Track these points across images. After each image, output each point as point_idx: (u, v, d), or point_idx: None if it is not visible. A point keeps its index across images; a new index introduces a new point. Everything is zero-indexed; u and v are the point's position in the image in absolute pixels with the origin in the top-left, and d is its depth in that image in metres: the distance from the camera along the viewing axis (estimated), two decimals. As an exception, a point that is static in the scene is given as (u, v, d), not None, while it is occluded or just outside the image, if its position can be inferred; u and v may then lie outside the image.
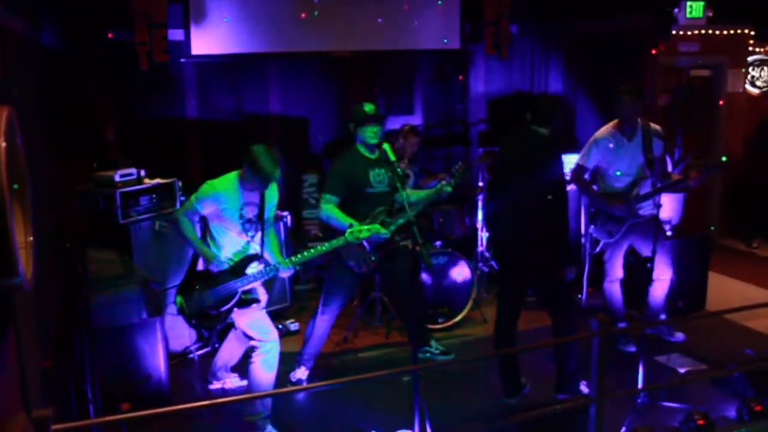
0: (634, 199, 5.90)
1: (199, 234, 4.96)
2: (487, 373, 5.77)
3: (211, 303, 4.82)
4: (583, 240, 7.40)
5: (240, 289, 4.84)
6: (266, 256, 5.02)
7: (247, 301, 4.88)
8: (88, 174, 6.05)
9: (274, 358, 4.90)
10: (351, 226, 5.14)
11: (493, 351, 5.67)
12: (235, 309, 4.84)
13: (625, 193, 5.92)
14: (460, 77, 8.88)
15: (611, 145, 5.91)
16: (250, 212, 4.87)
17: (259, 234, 4.95)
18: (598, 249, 6.31)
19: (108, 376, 4.68)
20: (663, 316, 6.28)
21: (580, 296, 7.25)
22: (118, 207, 5.69)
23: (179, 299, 4.88)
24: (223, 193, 4.76)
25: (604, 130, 6.05)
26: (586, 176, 6.12)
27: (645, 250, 5.94)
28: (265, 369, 4.86)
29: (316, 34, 7.84)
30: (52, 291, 4.75)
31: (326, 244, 5.17)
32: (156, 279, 5.70)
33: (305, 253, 5.07)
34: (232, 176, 4.84)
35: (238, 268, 4.85)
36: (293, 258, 5.02)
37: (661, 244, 5.80)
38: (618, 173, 5.94)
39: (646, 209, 5.95)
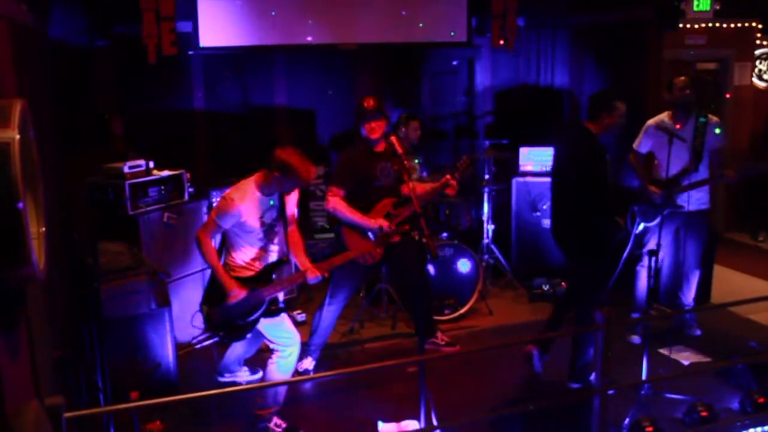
0: (673, 189, 5.92)
1: (217, 244, 4.83)
2: (493, 364, 5.82)
3: (237, 313, 4.68)
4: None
5: (267, 298, 4.72)
6: (292, 257, 4.94)
7: (274, 311, 4.78)
8: (97, 166, 6.09)
9: (293, 362, 4.83)
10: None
11: (498, 342, 5.71)
12: (262, 319, 4.74)
13: (666, 181, 5.91)
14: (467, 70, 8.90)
15: (661, 133, 5.92)
16: (271, 217, 4.76)
17: (280, 236, 4.86)
18: (638, 230, 6.27)
19: (117, 365, 4.72)
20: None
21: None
22: (127, 198, 5.72)
23: (205, 309, 4.76)
24: (243, 205, 4.59)
25: (657, 118, 6.20)
26: (640, 161, 6.28)
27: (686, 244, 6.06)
28: (282, 371, 4.79)
29: (323, 26, 7.86)
30: (62, 282, 4.79)
31: (351, 252, 5.27)
32: (164, 270, 5.74)
33: (333, 260, 5.09)
34: (249, 184, 4.69)
35: (264, 275, 4.76)
36: (321, 265, 4.93)
37: (701, 239, 6.06)
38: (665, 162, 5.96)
39: (692, 202, 6.04)
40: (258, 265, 4.79)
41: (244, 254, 4.76)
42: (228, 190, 4.73)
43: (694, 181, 5.93)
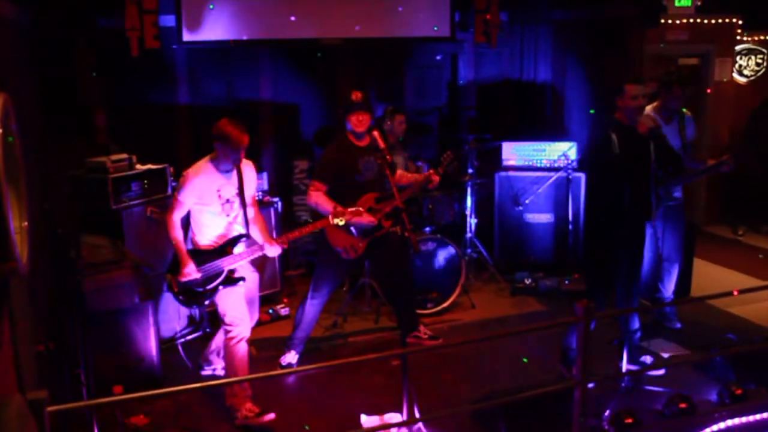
0: (671, 182, 5.97)
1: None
2: (475, 357, 5.86)
3: (198, 281, 4.94)
4: (570, 226, 7.50)
5: (226, 268, 4.97)
6: (253, 236, 5.14)
7: (232, 279, 5.01)
8: (80, 159, 6.07)
9: (243, 345, 5.00)
10: (335, 207, 5.21)
11: (481, 336, 5.75)
12: (221, 287, 4.97)
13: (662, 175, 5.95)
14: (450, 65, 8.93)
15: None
16: (229, 192, 4.98)
17: (241, 214, 5.06)
18: None
19: (100, 360, 4.72)
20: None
21: (567, 281, 7.33)
22: (109, 192, 5.72)
23: (168, 277, 5.02)
24: (198, 178, 4.88)
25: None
26: None
27: (665, 236, 6.11)
28: (235, 355, 4.97)
29: (306, 21, 7.86)
30: (45, 276, 4.79)
31: (310, 225, 5.32)
32: (148, 264, 5.73)
33: (290, 234, 5.25)
34: (204, 161, 4.97)
35: (224, 248, 5.00)
36: (279, 238, 5.20)
37: (680, 231, 6.18)
38: None
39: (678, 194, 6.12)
40: (220, 241, 5.04)
41: (208, 232, 5.01)
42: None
43: (699, 169, 5.99)
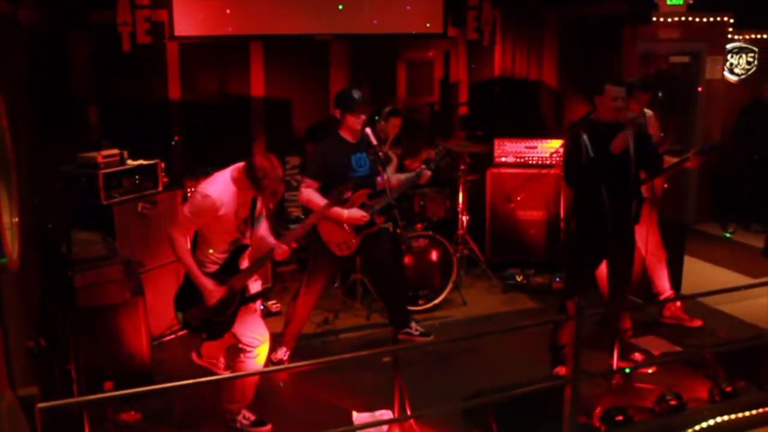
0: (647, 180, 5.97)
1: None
2: (466, 354, 5.87)
3: (214, 311, 4.55)
4: (562, 224, 7.53)
5: (239, 288, 4.60)
6: (258, 242, 4.81)
7: (249, 298, 4.68)
8: (71, 154, 6.05)
9: (261, 362, 4.73)
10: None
11: (472, 333, 5.76)
12: (240, 309, 4.62)
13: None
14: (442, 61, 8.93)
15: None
16: (245, 211, 4.60)
17: (249, 228, 4.73)
18: None
19: (91, 356, 4.71)
20: None
21: (558, 278, 7.35)
22: (100, 188, 5.70)
23: (180, 316, 4.61)
24: (218, 200, 4.39)
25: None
26: None
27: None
28: (249, 368, 4.70)
29: (299, 17, 7.85)
30: (36, 272, 4.77)
31: (311, 216, 5.14)
32: (138, 260, 5.72)
33: (295, 230, 5.00)
34: (224, 178, 4.50)
35: (230, 266, 4.60)
36: (284, 238, 4.82)
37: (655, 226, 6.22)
38: None
39: None
40: (225, 259, 4.63)
41: (216, 249, 4.58)
42: (201, 184, 4.56)
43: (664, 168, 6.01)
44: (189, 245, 4.53)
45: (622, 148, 4.97)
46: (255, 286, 4.80)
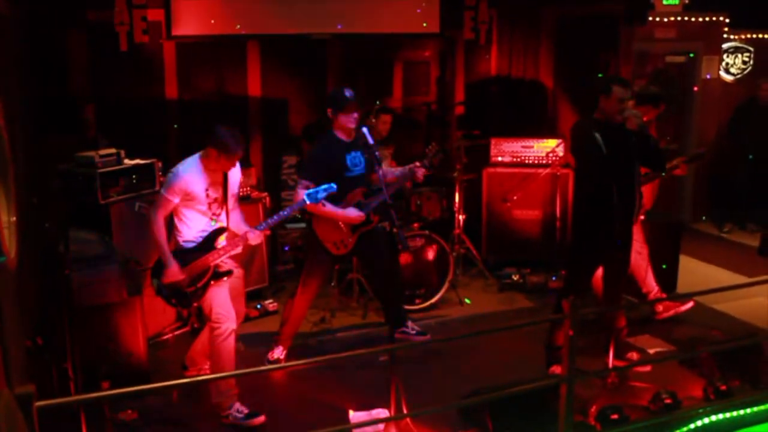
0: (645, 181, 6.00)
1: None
2: (463, 353, 5.89)
3: (186, 281, 4.91)
4: (558, 223, 7.55)
5: (212, 264, 4.94)
6: (233, 228, 5.10)
7: (220, 273, 4.97)
8: (68, 153, 6.05)
9: (231, 341, 4.94)
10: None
11: (469, 332, 5.78)
12: (212, 282, 4.93)
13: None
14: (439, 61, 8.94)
15: None
16: (216, 191, 4.96)
17: (223, 212, 5.05)
18: None
19: (88, 354, 4.71)
20: None
21: (554, 277, 7.37)
22: (98, 187, 5.71)
23: (155, 281, 4.99)
24: (187, 176, 4.85)
25: None
26: None
27: None
28: (222, 352, 4.90)
29: (296, 16, 7.85)
30: (33, 271, 4.77)
31: (287, 208, 5.24)
32: (136, 259, 5.73)
33: (269, 220, 5.17)
34: (193, 159, 4.94)
35: (207, 243, 4.97)
36: (259, 225, 5.13)
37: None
38: None
39: None
40: (202, 238, 5.00)
41: (191, 230, 4.97)
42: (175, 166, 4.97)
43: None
44: (166, 227, 4.94)
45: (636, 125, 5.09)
46: (226, 265, 5.09)
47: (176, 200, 4.87)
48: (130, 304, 5.24)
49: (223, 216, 5.06)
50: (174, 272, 4.88)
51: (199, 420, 5.01)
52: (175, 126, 7.70)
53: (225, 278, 4.99)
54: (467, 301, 7.09)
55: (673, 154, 6.28)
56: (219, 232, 5.03)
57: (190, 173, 4.87)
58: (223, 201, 5.02)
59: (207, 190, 4.91)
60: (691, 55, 9.68)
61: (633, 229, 5.46)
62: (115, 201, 5.87)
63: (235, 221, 5.13)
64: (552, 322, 5.52)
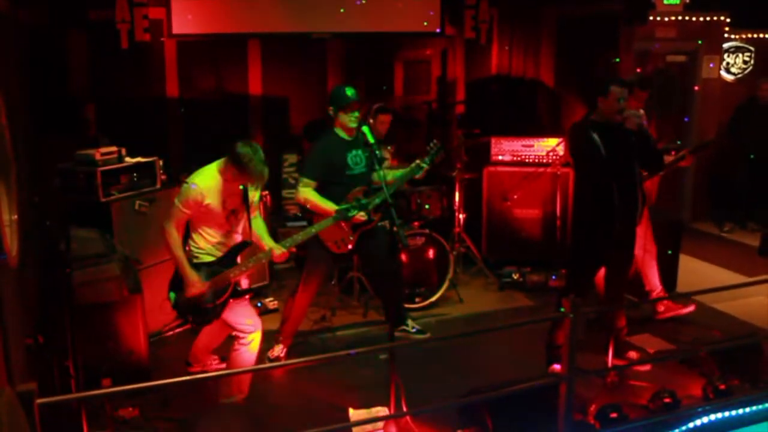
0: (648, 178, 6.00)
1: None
2: (463, 351, 5.89)
3: (205, 298, 4.73)
4: (558, 222, 7.55)
5: (233, 279, 4.78)
6: (256, 241, 4.95)
7: (240, 292, 4.83)
8: (69, 152, 6.06)
9: (255, 349, 4.86)
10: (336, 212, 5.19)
11: (469, 330, 5.78)
12: (230, 300, 4.79)
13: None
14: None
15: None
16: (234, 203, 4.76)
17: (243, 222, 4.88)
18: None
19: (89, 352, 4.72)
20: None
21: (554, 276, 7.37)
22: (98, 185, 5.72)
23: (172, 296, 4.80)
24: (205, 189, 4.62)
25: None
26: None
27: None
28: (245, 358, 4.83)
29: (297, 15, 7.86)
30: (34, 269, 4.78)
31: (315, 226, 5.26)
32: (136, 257, 5.74)
33: (296, 237, 5.10)
34: (212, 169, 4.72)
35: (229, 258, 4.80)
36: (284, 242, 4.99)
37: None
38: None
39: None
40: (221, 251, 4.82)
41: (207, 240, 4.79)
42: (190, 176, 4.75)
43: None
44: (180, 238, 4.71)
45: (635, 125, 5.10)
46: (245, 282, 5.00)
47: (190, 212, 4.67)
48: (131, 301, 5.24)
49: (242, 227, 4.88)
50: (196, 284, 4.67)
51: (200, 417, 5.01)
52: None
53: (245, 296, 4.86)
54: (461, 300, 7.09)
55: (678, 149, 6.27)
56: (241, 246, 4.87)
57: (206, 185, 4.64)
58: (243, 212, 4.84)
59: (224, 201, 4.70)
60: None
61: (637, 228, 5.47)
62: (116, 199, 5.86)
63: (257, 234, 4.94)
64: (552, 321, 5.52)
